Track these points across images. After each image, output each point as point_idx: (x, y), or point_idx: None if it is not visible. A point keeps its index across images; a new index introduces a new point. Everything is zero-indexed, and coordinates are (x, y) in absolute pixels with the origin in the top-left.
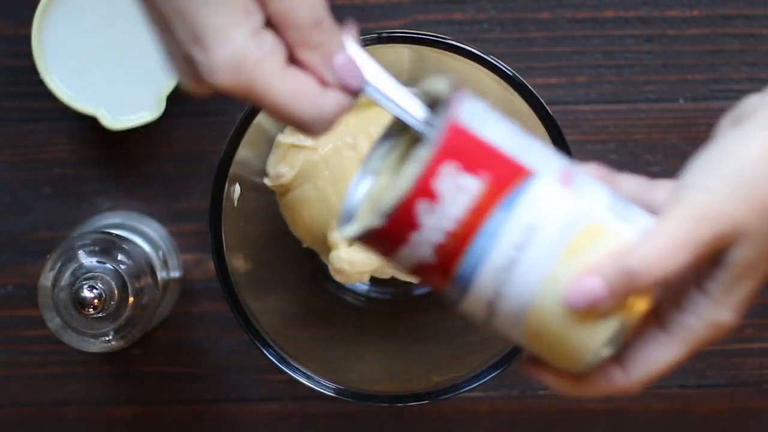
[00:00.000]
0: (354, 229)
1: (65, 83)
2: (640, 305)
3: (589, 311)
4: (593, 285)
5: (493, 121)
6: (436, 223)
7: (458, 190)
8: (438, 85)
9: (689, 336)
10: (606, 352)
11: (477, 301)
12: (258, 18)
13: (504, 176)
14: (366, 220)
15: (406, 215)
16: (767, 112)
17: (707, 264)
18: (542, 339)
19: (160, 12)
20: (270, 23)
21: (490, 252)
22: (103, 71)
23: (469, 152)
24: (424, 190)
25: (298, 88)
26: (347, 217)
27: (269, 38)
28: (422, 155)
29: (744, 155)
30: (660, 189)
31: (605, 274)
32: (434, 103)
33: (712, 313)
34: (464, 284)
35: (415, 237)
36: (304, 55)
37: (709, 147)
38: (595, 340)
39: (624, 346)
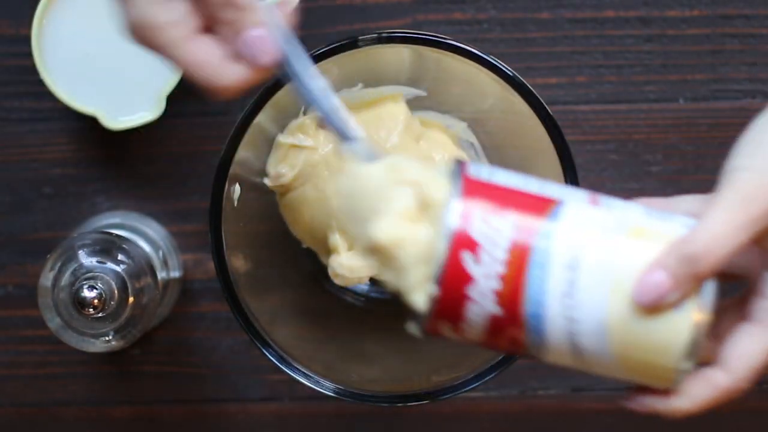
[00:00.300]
0: (420, 302)
1: (65, 83)
2: (703, 313)
3: (659, 305)
4: (658, 278)
5: (503, 174)
6: (485, 270)
7: (495, 232)
8: (441, 173)
9: None
10: (691, 355)
11: (557, 339)
12: None
13: (533, 207)
14: (423, 298)
15: (455, 270)
16: None
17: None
18: (631, 353)
19: None
20: None
21: (547, 281)
22: (103, 71)
23: (492, 196)
24: (463, 241)
25: (201, 57)
26: (411, 318)
27: (180, 7)
28: (449, 202)
29: None
30: (684, 202)
31: (667, 265)
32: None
33: None
34: (537, 324)
35: (472, 291)
36: (216, 28)
37: (747, 131)
38: (678, 338)
39: (716, 351)
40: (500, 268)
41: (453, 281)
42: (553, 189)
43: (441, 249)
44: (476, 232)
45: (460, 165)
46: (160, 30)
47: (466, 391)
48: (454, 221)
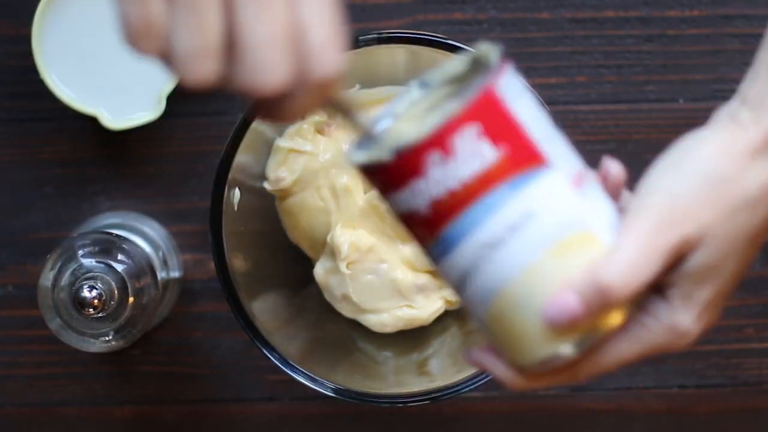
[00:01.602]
0: (362, 156)
1: (65, 83)
2: (615, 319)
3: (565, 326)
4: (570, 302)
5: (527, 102)
6: (441, 178)
7: (473, 154)
8: (488, 50)
9: (647, 337)
10: (567, 352)
11: (454, 267)
12: None
13: (521, 156)
14: (377, 152)
15: (415, 160)
16: (722, 115)
17: (668, 268)
18: (503, 326)
19: None
20: None
21: (483, 224)
22: (103, 71)
23: (496, 121)
24: (441, 142)
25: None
26: (357, 147)
27: None
28: (450, 108)
29: (701, 155)
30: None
31: (581, 291)
32: (477, 67)
33: (671, 318)
34: (447, 246)
35: (417, 184)
36: None
37: (665, 153)
38: (559, 344)
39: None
40: (454, 185)
41: (409, 164)
42: (554, 147)
43: (420, 132)
44: (458, 143)
45: (495, 73)
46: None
47: (466, 391)
48: (446, 122)
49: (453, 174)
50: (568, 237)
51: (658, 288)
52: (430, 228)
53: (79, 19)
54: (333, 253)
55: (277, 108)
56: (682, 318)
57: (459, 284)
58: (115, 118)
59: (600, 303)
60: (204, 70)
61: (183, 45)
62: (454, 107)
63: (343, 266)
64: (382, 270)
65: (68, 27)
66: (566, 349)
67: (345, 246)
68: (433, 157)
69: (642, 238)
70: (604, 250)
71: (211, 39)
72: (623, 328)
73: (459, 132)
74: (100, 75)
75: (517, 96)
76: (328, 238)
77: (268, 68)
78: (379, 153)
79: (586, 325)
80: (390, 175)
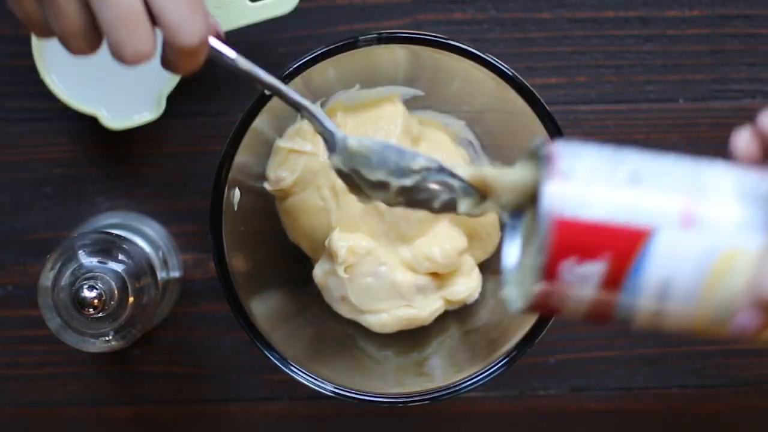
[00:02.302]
0: (514, 306)
1: (65, 83)
2: None
3: (758, 331)
4: (746, 321)
5: (594, 186)
6: (575, 304)
7: (583, 279)
8: (538, 148)
9: None
10: None
11: (644, 312)
12: None
13: (623, 248)
14: (516, 302)
15: (545, 303)
16: None
17: None
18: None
19: None
20: None
21: (634, 311)
22: (103, 71)
23: (580, 242)
24: (553, 286)
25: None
26: (504, 279)
27: None
28: (538, 261)
29: None
30: None
31: (750, 311)
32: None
33: None
34: (626, 309)
35: (564, 310)
36: None
37: None
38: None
39: None
40: (587, 306)
41: (542, 307)
42: (646, 204)
43: (531, 290)
44: (566, 281)
45: (550, 188)
46: None
47: (466, 391)
48: (544, 272)
49: (581, 297)
50: (710, 271)
51: None
52: (599, 324)
53: None
54: (331, 256)
55: (173, 66)
56: None
57: (658, 314)
58: (115, 118)
59: None
60: (80, 45)
61: (57, 30)
62: (540, 259)
63: (341, 270)
64: (380, 272)
65: None
66: None
67: (342, 250)
68: (556, 298)
69: None
70: (754, 259)
71: (74, 23)
72: None
73: (559, 275)
74: (100, 75)
75: (582, 191)
76: (326, 242)
77: (128, 43)
78: (517, 304)
79: None
80: (539, 311)
